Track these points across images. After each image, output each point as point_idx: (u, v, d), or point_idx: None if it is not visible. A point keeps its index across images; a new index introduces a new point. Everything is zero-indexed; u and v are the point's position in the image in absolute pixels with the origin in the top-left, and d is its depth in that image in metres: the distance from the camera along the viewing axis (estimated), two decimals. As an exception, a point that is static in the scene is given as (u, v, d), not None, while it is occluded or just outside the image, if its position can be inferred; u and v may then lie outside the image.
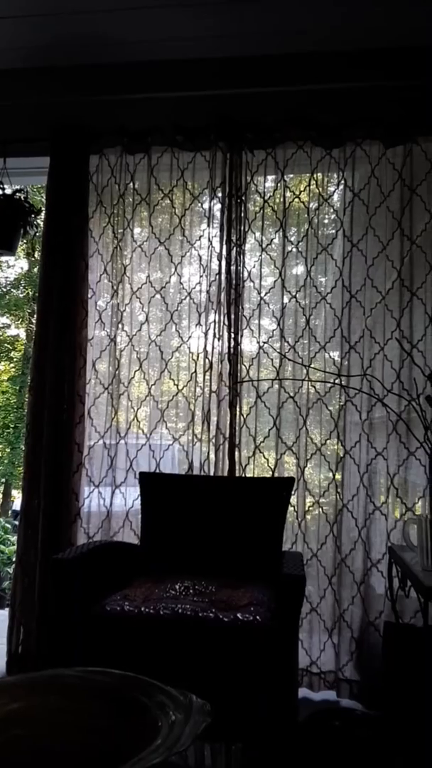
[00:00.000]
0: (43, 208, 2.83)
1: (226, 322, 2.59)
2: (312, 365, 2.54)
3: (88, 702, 1.00)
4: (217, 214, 2.67)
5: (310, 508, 2.53)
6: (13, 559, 3.03)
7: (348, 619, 2.42)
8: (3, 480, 9.43)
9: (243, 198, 2.63)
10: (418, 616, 2.28)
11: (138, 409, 2.70)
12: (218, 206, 2.66)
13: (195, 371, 2.64)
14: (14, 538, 4.88)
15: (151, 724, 0.89)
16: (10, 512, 8.39)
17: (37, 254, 8.57)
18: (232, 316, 2.58)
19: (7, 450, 9.18)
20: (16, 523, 3.40)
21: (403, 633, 2.22)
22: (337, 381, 2.51)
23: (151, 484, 2.48)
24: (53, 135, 2.72)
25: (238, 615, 1.79)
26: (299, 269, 2.64)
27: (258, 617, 1.79)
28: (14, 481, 9.11)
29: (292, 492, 2.39)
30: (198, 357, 2.64)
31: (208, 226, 2.68)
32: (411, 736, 1.89)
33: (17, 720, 0.96)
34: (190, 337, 2.68)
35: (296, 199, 2.63)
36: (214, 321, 2.61)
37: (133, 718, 0.93)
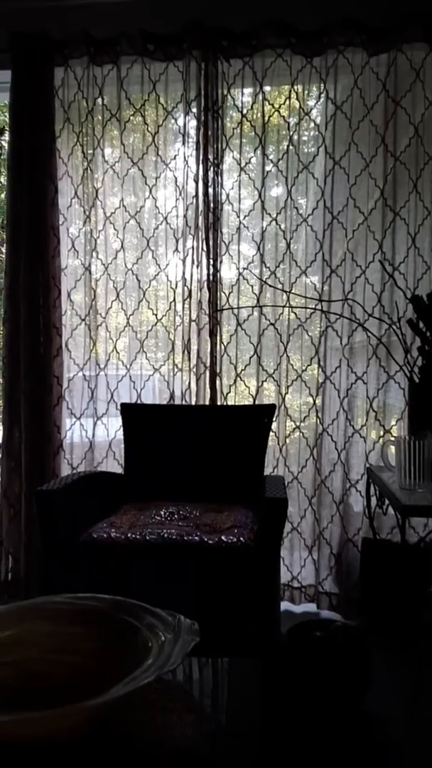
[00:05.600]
0: (6, 128, 2.65)
1: (205, 248, 2.51)
2: (292, 291, 2.50)
3: (78, 626, 1.02)
4: (192, 131, 2.53)
5: (291, 433, 2.56)
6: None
7: (327, 537, 2.51)
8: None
9: (219, 112, 2.49)
10: (394, 531, 2.38)
11: (117, 340, 2.66)
12: (193, 123, 2.52)
13: (174, 300, 2.58)
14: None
15: (141, 645, 0.92)
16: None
17: (2, 178, 8.15)
18: (211, 242, 2.50)
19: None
20: None
21: (381, 547, 2.32)
22: (317, 306, 2.48)
23: (133, 414, 2.48)
24: (13, 44, 2.51)
25: (222, 537, 1.84)
26: (279, 190, 2.54)
27: (242, 539, 1.84)
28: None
29: (274, 418, 2.41)
30: (176, 285, 2.58)
31: (183, 144, 2.55)
32: (387, 640, 2.01)
33: (7, 646, 0.98)
34: (167, 264, 2.61)
35: (276, 113, 2.50)
36: (192, 247, 2.53)
37: (124, 640, 0.96)
